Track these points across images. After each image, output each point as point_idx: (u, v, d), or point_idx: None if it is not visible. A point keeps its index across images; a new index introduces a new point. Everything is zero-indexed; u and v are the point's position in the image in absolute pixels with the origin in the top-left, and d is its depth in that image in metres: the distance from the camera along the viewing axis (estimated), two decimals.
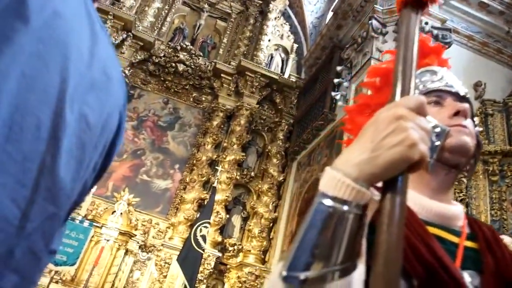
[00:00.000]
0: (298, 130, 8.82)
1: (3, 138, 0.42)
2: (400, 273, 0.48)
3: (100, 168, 0.62)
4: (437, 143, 0.75)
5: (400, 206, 0.51)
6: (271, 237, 8.22)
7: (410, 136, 0.52)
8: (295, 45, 10.31)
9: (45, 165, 0.46)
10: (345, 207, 0.53)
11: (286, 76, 9.76)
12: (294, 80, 9.59)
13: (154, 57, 9.41)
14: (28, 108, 0.44)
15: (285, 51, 10.32)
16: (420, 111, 0.55)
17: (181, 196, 8.33)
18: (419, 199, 0.79)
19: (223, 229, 8.19)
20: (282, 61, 10.12)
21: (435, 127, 0.76)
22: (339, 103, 6.95)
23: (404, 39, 0.63)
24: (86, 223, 5.91)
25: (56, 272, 6.06)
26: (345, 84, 6.96)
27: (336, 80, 7.13)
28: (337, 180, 0.54)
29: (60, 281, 6.42)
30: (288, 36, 10.50)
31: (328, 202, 0.54)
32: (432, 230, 0.74)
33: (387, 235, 0.49)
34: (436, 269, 0.65)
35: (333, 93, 7.06)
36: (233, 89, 9.42)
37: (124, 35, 8.98)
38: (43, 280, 5.51)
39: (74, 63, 0.49)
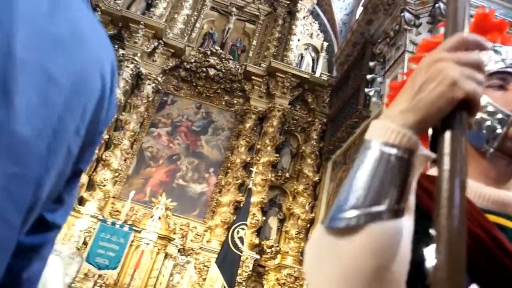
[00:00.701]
0: (332, 129, 8.69)
1: None
2: (465, 265, 0.44)
3: (88, 135, 0.56)
4: (499, 130, 0.70)
5: (460, 175, 0.47)
6: (309, 238, 8.12)
7: (448, 74, 0.50)
8: (325, 43, 10.19)
9: (1, 121, 0.42)
10: (393, 151, 0.53)
11: (317, 75, 9.65)
12: (325, 78, 9.47)
13: (185, 63, 9.56)
14: None
15: (315, 50, 10.22)
16: (462, 46, 0.52)
17: (217, 199, 8.39)
18: (474, 186, 0.73)
19: (260, 231, 8.18)
20: (313, 60, 10.03)
21: (497, 112, 0.70)
22: (373, 99, 6.80)
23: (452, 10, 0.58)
24: (126, 228, 6.05)
25: (99, 276, 6.23)
26: (379, 79, 6.80)
27: (369, 76, 6.98)
28: (383, 126, 0.54)
29: (103, 285, 6.59)
30: (318, 34, 10.40)
31: (375, 146, 0.54)
32: (491, 218, 0.68)
33: (448, 219, 0.45)
34: (501, 260, 0.59)
35: (366, 90, 6.91)
36: (264, 90, 9.41)
37: (156, 43, 9.17)
38: (88, 284, 5.67)
39: (27, 9, 0.45)
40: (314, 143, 8.89)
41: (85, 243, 6.51)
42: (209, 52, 9.63)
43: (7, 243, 0.46)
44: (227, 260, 5.74)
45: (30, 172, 0.46)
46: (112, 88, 0.60)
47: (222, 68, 9.56)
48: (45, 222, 0.57)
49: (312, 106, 9.31)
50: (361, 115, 7.13)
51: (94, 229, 7.04)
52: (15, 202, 0.45)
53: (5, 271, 0.47)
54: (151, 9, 9.52)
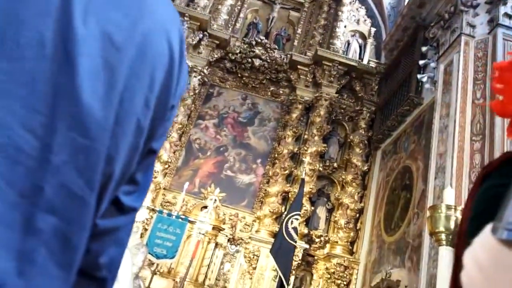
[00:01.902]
0: (381, 118, 8.46)
1: None
2: None
3: (158, 108, 0.53)
4: None
5: None
6: (358, 227, 8.03)
7: None
8: (373, 29, 9.87)
9: (61, 87, 0.40)
10: None
11: (365, 62, 9.39)
12: (374, 65, 9.20)
13: (230, 54, 9.59)
14: (23, 21, 0.39)
15: (363, 36, 9.94)
16: None
17: (265, 190, 8.44)
18: None
19: (309, 221, 8.16)
20: (360, 47, 9.76)
21: None
22: (426, 85, 6.54)
23: None
24: (181, 218, 6.25)
25: (153, 264, 6.47)
26: (432, 65, 6.52)
27: (421, 62, 6.71)
28: None
29: (158, 272, 6.85)
30: (365, 20, 10.09)
31: None
32: None
33: None
34: None
35: (418, 76, 6.66)
36: (310, 80, 9.29)
37: (201, 35, 9.26)
38: (145, 273, 5.92)
39: None
40: (363, 132, 8.70)
41: (141, 235, 6.79)
42: (254, 42, 9.61)
43: (82, 220, 0.44)
44: (282, 250, 5.79)
45: (97, 145, 0.43)
46: (182, 58, 0.57)
47: (267, 58, 9.51)
48: (120, 204, 0.55)
49: (360, 95, 9.09)
50: (412, 102, 6.88)
51: (147, 220, 7.34)
52: (85, 177, 0.43)
53: (83, 254, 0.47)
54: (195, 1, 9.60)
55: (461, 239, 0.72)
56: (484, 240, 0.50)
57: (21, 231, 0.38)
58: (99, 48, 0.44)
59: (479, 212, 0.67)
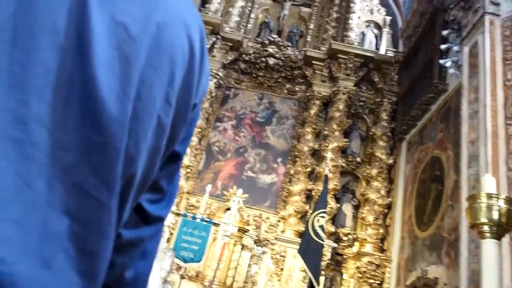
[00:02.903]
0: (403, 108, 8.21)
1: (7, 45, 0.35)
2: None
3: (180, 106, 0.49)
4: None
5: None
6: (387, 224, 7.78)
7: None
8: (388, 18, 9.62)
9: (75, 80, 0.38)
10: None
11: (382, 52, 9.15)
12: (391, 55, 8.96)
13: (244, 55, 9.55)
14: (36, 9, 0.37)
15: (377, 26, 9.69)
16: None
17: (288, 189, 8.30)
18: None
19: (335, 219, 7.96)
20: (376, 37, 9.51)
21: None
22: (450, 70, 6.28)
23: None
24: (206, 221, 6.20)
25: (181, 268, 6.41)
26: (455, 48, 6.27)
27: (443, 46, 6.46)
28: None
29: (186, 276, 6.78)
30: (379, 9, 9.85)
31: None
32: None
33: None
34: None
35: (441, 61, 6.41)
36: (326, 74, 9.12)
37: (214, 39, 9.23)
38: (174, 277, 5.86)
39: None
40: (385, 124, 8.46)
41: (168, 239, 6.75)
42: (266, 42, 9.54)
43: (100, 224, 0.41)
44: (310, 250, 5.64)
45: (114, 142, 0.40)
46: (203, 55, 0.53)
47: (281, 56, 9.42)
48: (144, 213, 0.52)
49: (379, 86, 8.86)
50: (436, 89, 6.64)
51: (173, 224, 7.28)
52: (101, 176, 0.40)
53: (107, 268, 0.44)
54: (206, 6, 9.61)
55: None
56: None
57: (39, 235, 0.36)
58: (115, 39, 0.42)
59: None
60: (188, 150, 8.40)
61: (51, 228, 0.36)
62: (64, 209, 0.37)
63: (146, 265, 0.54)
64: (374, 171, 8.05)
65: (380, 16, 9.76)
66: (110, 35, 0.41)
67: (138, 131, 0.43)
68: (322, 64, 9.18)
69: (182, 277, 5.97)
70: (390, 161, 8.17)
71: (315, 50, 9.37)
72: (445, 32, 6.56)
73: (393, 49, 9.16)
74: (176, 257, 5.08)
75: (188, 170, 8.39)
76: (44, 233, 0.36)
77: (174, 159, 0.55)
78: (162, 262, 2.80)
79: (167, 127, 0.48)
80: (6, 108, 0.34)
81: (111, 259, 0.45)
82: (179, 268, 6.21)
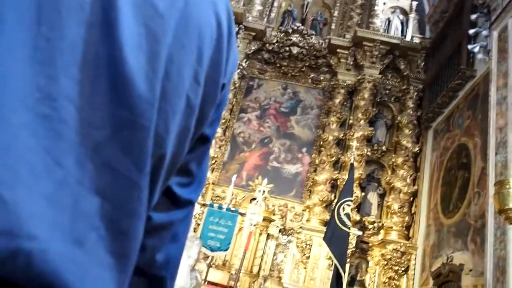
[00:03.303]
0: (430, 95, 8.06)
1: (33, 19, 0.34)
2: None
3: (208, 86, 0.49)
4: None
5: None
6: (413, 211, 7.72)
7: None
8: (414, 3, 9.40)
9: (102, 57, 0.37)
10: None
11: (408, 38, 8.97)
12: (418, 41, 8.77)
13: (267, 45, 9.54)
14: None
15: (403, 12, 9.49)
16: None
17: (313, 179, 8.33)
18: None
19: (360, 208, 7.96)
20: (402, 23, 9.33)
21: None
22: (479, 56, 6.13)
23: None
24: (231, 211, 6.32)
25: (207, 258, 6.57)
26: (484, 33, 6.10)
27: (471, 31, 6.29)
28: None
29: (213, 265, 6.95)
30: None
31: None
32: None
33: None
34: None
35: (469, 46, 6.25)
36: (351, 63, 9.02)
37: (236, 29, 9.24)
38: (201, 266, 6.01)
39: None
40: (411, 112, 8.33)
41: (194, 229, 6.93)
42: (290, 30, 9.48)
43: (132, 205, 0.40)
44: (336, 238, 5.67)
45: (143, 120, 0.39)
46: (230, 33, 0.52)
47: (305, 45, 9.35)
48: (174, 196, 0.51)
49: (405, 73, 8.71)
50: (464, 75, 6.49)
51: (199, 215, 7.45)
52: (132, 155, 0.39)
53: (139, 249, 0.43)
54: None
55: None
56: None
57: (71, 213, 0.35)
58: (141, 16, 0.40)
59: None
60: (213, 142, 8.50)
61: (82, 207, 0.35)
62: (94, 188, 0.37)
63: (177, 248, 0.54)
64: (399, 160, 7.97)
65: (406, 1, 9.54)
66: (137, 11, 0.40)
67: (167, 111, 0.42)
68: (346, 52, 9.08)
69: (209, 266, 6.11)
70: (416, 149, 8.06)
71: (339, 38, 9.27)
72: (473, 17, 6.39)
73: (420, 35, 8.96)
74: (203, 246, 5.21)
75: (213, 161, 8.52)
76: (75, 212, 0.35)
77: (203, 142, 0.53)
78: (189, 250, 2.91)
79: (196, 107, 0.47)
80: (35, 84, 0.33)
81: (142, 241, 0.44)
82: (206, 257, 6.37)
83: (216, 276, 6.63)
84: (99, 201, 0.37)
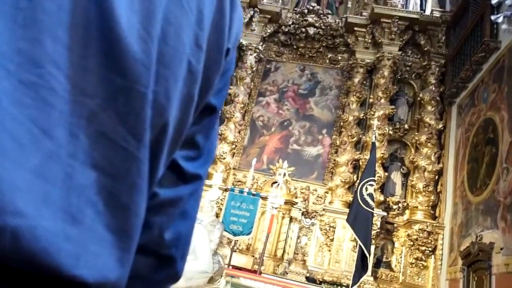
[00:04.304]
0: (452, 70, 7.81)
1: None
2: None
3: (212, 51, 0.46)
4: None
5: None
6: (438, 190, 7.57)
7: None
8: None
9: (92, 18, 0.33)
10: None
11: (427, 13, 8.69)
12: (438, 15, 8.47)
13: (283, 27, 9.43)
14: None
15: None
16: None
17: (334, 160, 8.25)
18: None
19: (384, 188, 7.85)
20: None
21: None
22: (503, 26, 5.88)
23: None
24: (253, 195, 6.35)
25: (231, 242, 6.65)
26: (507, 2, 5.82)
27: (494, 1, 6.02)
28: None
29: (237, 249, 7.02)
30: None
31: None
32: None
33: None
34: None
35: (493, 17, 6.00)
36: (369, 41, 8.82)
37: (251, 12, 9.16)
38: (225, 251, 6.09)
39: None
40: (433, 88, 8.11)
41: (216, 214, 7.00)
42: (305, 11, 9.33)
43: (131, 177, 0.37)
44: (359, 218, 5.63)
45: (138, 86, 0.36)
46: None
47: (322, 25, 9.19)
48: (181, 171, 0.49)
49: (426, 49, 8.45)
50: (488, 48, 6.25)
51: (222, 199, 7.52)
52: (127, 124, 0.36)
53: (144, 229, 0.41)
54: None
55: None
56: None
57: (63, 187, 0.32)
58: None
59: None
60: (232, 126, 8.54)
61: (75, 181, 0.33)
62: (89, 161, 0.34)
63: (187, 225, 0.51)
64: (423, 137, 7.80)
65: None
66: None
67: (167, 77, 0.40)
68: (364, 30, 8.87)
69: (233, 250, 6.17)
70: (440, 126, 7.87)
71: (356, 16, 9.07)
72: None
73: (440, 9, 8.65)
74: (225, 231, 5.26)
75: (233, 146, 8.55)
76: (68, 186, 0.32)
77: (210, 112, 0.51)
78: (211, 234, 2.93)
79: (198, 73, 0.44)
80: (16, 48, 0.30)
81: (148, 219, 0.42)
82: (229, 241, 6.43)
83: (241, 260, 6.70)
84: (95, 175, 0.34)
